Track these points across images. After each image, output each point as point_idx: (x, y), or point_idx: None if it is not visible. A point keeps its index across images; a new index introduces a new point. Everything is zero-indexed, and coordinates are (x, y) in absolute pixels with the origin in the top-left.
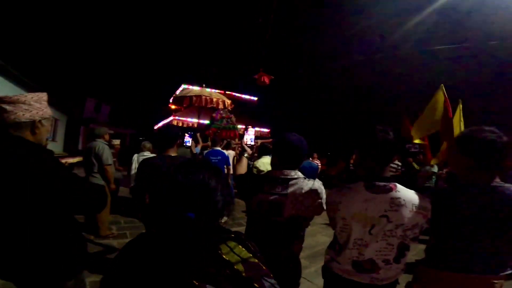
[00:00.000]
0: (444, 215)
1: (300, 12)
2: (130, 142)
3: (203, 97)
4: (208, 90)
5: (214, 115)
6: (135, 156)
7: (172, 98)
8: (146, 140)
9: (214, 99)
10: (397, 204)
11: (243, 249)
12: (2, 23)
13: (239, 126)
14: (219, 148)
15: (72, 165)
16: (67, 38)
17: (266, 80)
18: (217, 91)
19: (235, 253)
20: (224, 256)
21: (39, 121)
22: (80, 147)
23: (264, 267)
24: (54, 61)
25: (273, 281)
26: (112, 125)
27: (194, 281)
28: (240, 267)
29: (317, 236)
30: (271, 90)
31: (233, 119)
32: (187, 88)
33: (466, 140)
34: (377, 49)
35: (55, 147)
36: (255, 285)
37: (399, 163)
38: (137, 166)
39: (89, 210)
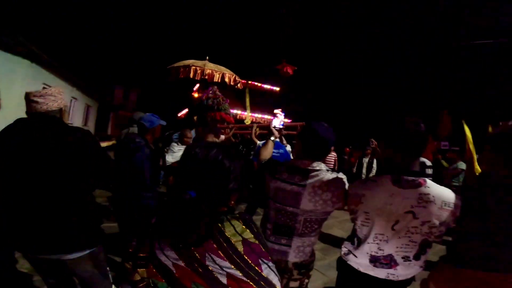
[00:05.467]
0: (470, 213)
1: (324, 4)
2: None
3: (192, 67)
4: (204, 61)
5: (200, 95)
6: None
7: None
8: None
9: (207, 71)
10: (425, 200)
11: (246, 229)
12: (42, 19)
13: (267, 117)
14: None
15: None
16: (99, 32)
17: (290, 70)
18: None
19: (237, 232)
20: (226, 233)
21: (63, 108)
22: (109, 132)
23: (263, 249)
24: (86, 52)
25: (270, 263)
26: (139, 111)
27: (195, 251)
28: (239, 245)
29: (333, 229)
30: (294, 80)
31: (221, 99)
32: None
33: (497, 137)
34: (406, 42)
35: None
36: (252, 264)
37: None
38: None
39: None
